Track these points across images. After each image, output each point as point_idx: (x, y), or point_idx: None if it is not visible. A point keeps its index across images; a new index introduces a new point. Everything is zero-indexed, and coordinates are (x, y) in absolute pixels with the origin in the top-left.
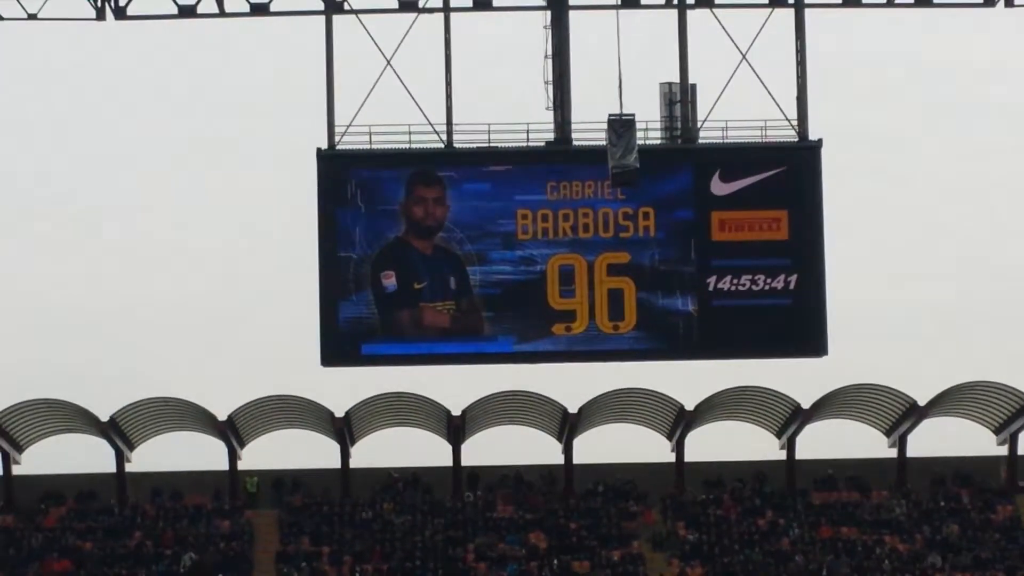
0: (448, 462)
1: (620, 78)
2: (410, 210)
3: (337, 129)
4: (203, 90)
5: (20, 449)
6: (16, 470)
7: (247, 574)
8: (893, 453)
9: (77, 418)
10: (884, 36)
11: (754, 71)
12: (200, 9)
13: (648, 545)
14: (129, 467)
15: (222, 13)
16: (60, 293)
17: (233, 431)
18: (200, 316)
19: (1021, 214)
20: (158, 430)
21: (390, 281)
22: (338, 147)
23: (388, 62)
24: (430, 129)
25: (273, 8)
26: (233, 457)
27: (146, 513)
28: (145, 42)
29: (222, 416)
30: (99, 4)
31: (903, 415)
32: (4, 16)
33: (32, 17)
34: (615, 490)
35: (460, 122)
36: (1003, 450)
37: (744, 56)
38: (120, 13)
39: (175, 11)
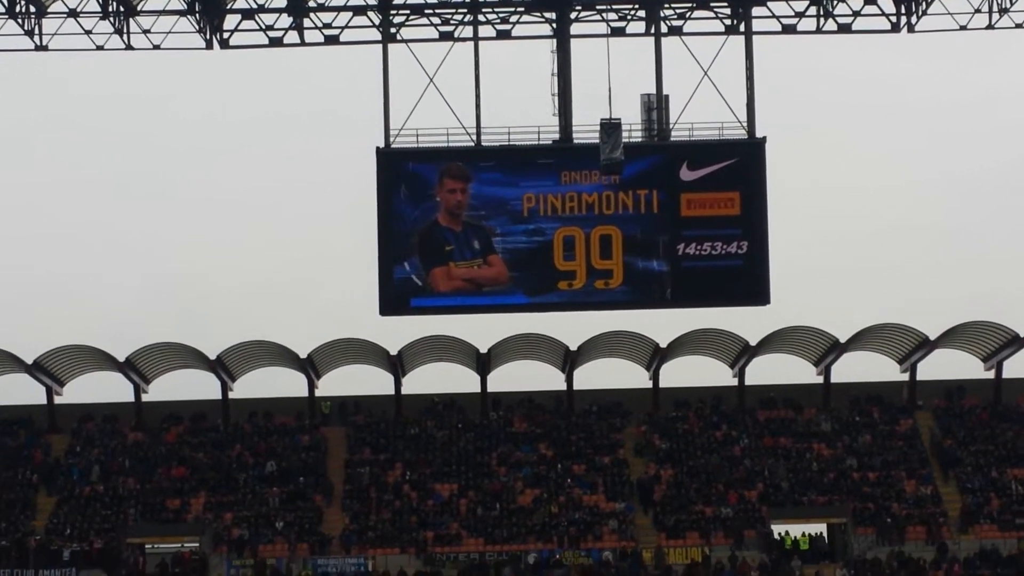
0: (477, 389)
1: (610, 90)
2: (443, 196)
3: (392, 131)
4: (288, 103)
5: (147, 380)
6: (144, 397)
7: (323, 476)
8: (820, 380)
9: (191, 356)
10: (816, 54)
11: (713, 84)
12: (286, 40)
13: (631, 452)
14: (231, 394)
15: (303, 43)
16: (187, 263)
17: (311, 365)
18: (285, 276)
19: (928, 188)
20: (254, 365)
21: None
22: (392, 146)
23: (431, 80)
24: (463, 131)
25: (342, 39)
26: (311, 386)
27: (244, 430)
28: (243, 67)
29: (303, 354)
30: (208, 37)
31: (828, 350)
32: (135, 47)
33: (156, 48)
34: (606, 409)
35: (486, 125)
36: (905, 376)
37: (706, 73)
38: (224, 44)
39: (266, 42)
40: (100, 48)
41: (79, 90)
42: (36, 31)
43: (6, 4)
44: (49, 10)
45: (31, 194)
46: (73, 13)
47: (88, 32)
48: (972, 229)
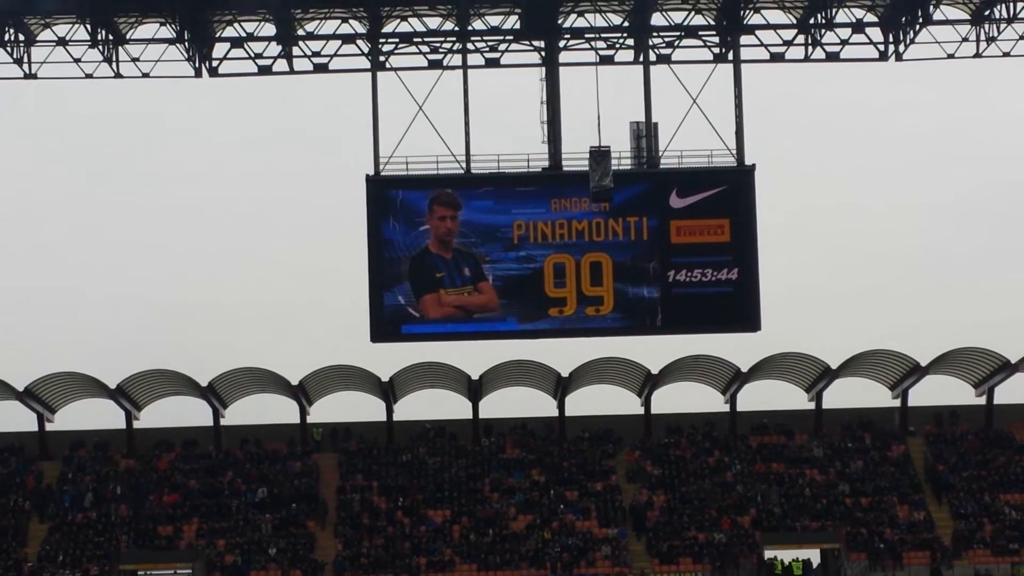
0: (469, 415)
1: (599, 118)
2: (433, 223)
3: (381, 159)
4: (275, 130)
5: (139, 407)
6: (136, 424)
7: (316, 501)
8: (812, 405)
9: (183, 383)
10: (804, 83)
11: (702, 112)
12: (275, 68)
13: (624, 478)
14: (223, 421)
15: (292, 71)
16: (178, 290)
17: (303, 392)
18: (277, 303)
19: (916, 214)
20: (246, 392)
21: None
22: (382, 173)
23: (420, 107)
24: (452, 158)
25: (331, 67)
26: (303, 412)
27: (236, 457)
28: (232, 93)
29: (294, 381)
30: (197, 65)
31: (819, 376)
32: (124, 75)
33: (146, 76)
34: (598, 436)
35: (476, 152)
36: (896, 402)
37: (695, 100)
38: (213, 72)
39: (255, 70)
40: (89, 76)
41: (69, 110)
42: (25, 59)
43: None
44: (38, 39)
45: (21, 218)
46: (62, 42)
47: (77, 60)
48: (962, 255)
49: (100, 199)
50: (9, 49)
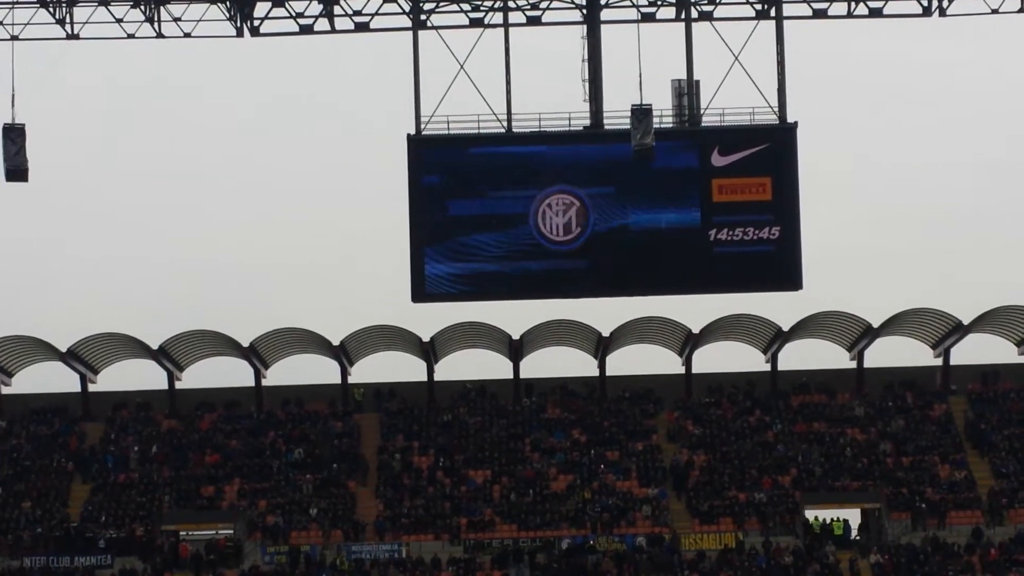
0: (510, 375)
1: (640, 76)
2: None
3: (423, 118)
4: (319, 89)
5: (181, 368)
6: (178, 385)
7: (356, 463)
8: (853, 364)
9: (224, 343)
10: (846, 40)
11: (744, 69)
12: (316, 27)
13: (664, 438)
14: (264, 382)
15: (333, 30)
16: (219, 251)
17: (344, 353)
18: (318, 263)
19: (960, 172)
20: (287, 352)
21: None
22: (423, 132)
23: (461, 66)
24: (494, 117)
25: (373, 26)
26: (344, 373)
27: (277, 417)
28: (273, 52)
29: (336, 341)
30: (238, 25)
31: (861, 334)
32: (165, 35)
33: (187, 36)
34: (638, 396)
35: (517, 112)
36: (938, 361)
37: (736, 58)
38: (255, 32)
39: (296, 29)
40: (131, 36)
41: (110, 73)
42: (67, 20)
43: None
44: None
45: (64, 182)
46: (104, 2)
47: (119, 20)
48: (1004, 213)
49: (141, 161)
50: (52, 9)
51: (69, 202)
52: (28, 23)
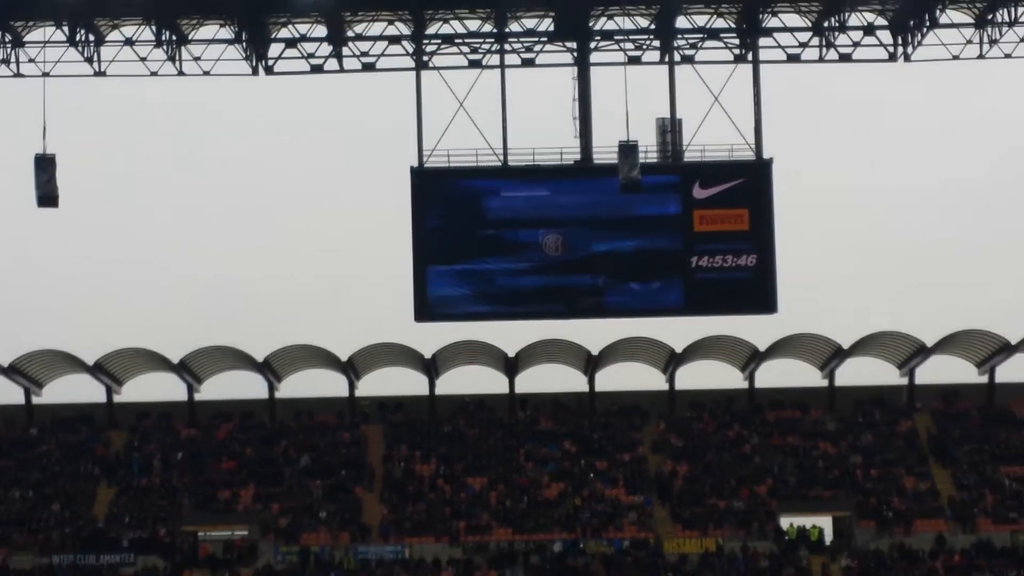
0: (505, 390)
1: (627, 114)
2: (477, 214)
3: (425, 151)
4: (328, 123)
5: (200, 381)
6: (197, 396)
7: (362, 470)
8: (825, 383)
9: (241, 358)
10: (817, 82)
11: (723, 109)
12: (326, 67)
13: (649, 449)
14: (278, 394)
15: (341, 70)
16: (237, 270)
17: (352, 368)
18: (329, 284)
19: (918, 206)
20: (299, 367)
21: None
22: (425, 165)
23: (461, 104)
24: (491, 151)
25: (378, 66)
26: (351, 387)
27: (290, 427)
28: (286, 88)
29: (344, 357)
30: (254, 64)
31: (832, 355)
32: (186, 72)
33: (206, 74)
34: (626, 410)
35: (512, 146)
36: (904, 380)
37: (716, 98)
38: (269, 70)
39: (308, 68)
40: (154, 74)
41: (133, 104)
42: (95, 58)
43: (67, 33)
44: (107, 39)
45: (92, 206)
46: (129, 42)
47: (143, 59)
48: (965, 243)
49: (164, 188)
50: (80, 48)
51: (97, 225)
52: (59, 61)
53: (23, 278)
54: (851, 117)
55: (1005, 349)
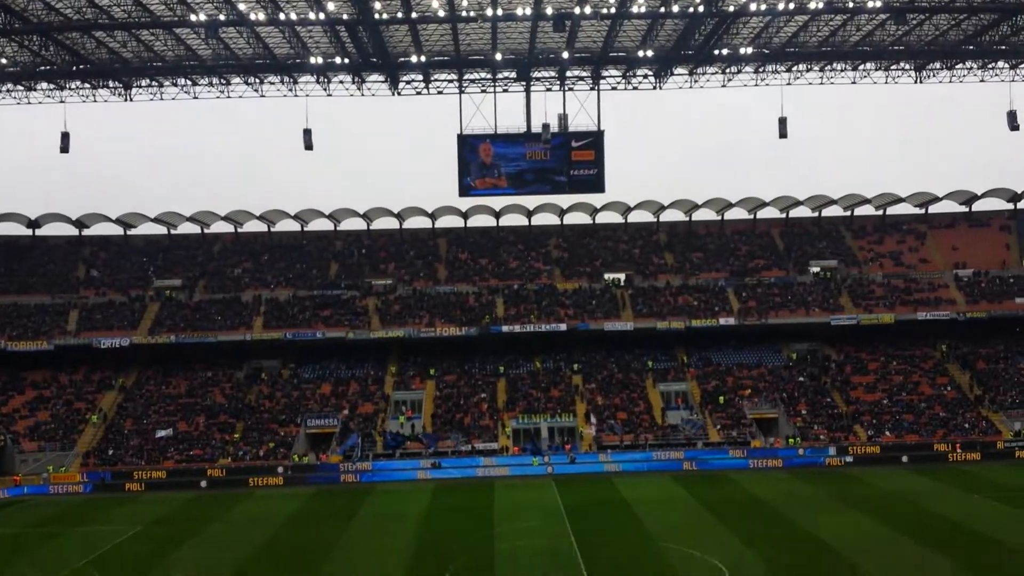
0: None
1: (545, 112)
2: (483, 150)
3: (464, 126)
4: (403, 120)
5: None
6: None
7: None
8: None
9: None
10: (630, 98)
11: (586, 111)
12: (424, 92)
13: None
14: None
15: (397, 94)
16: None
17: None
18: (421, 188)
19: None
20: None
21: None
22: (464, 132)
23: (477, 108)
24: (490, 127)
25: (445, 91)
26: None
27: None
28: (396, 103)
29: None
30: (389, 89)
31: (660, 208)
32: (374, 94)
33: (240, 96)
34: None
35: (500, 124)
36: None
37: (582, 105)
38: (398, 92)
39: (414, 92)
40: (173, 98)
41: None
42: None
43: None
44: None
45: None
46: (157, 81)
47: (160, 86)
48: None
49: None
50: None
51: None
52: (94, 94)
53: None
54: (640, 114)
55: None
